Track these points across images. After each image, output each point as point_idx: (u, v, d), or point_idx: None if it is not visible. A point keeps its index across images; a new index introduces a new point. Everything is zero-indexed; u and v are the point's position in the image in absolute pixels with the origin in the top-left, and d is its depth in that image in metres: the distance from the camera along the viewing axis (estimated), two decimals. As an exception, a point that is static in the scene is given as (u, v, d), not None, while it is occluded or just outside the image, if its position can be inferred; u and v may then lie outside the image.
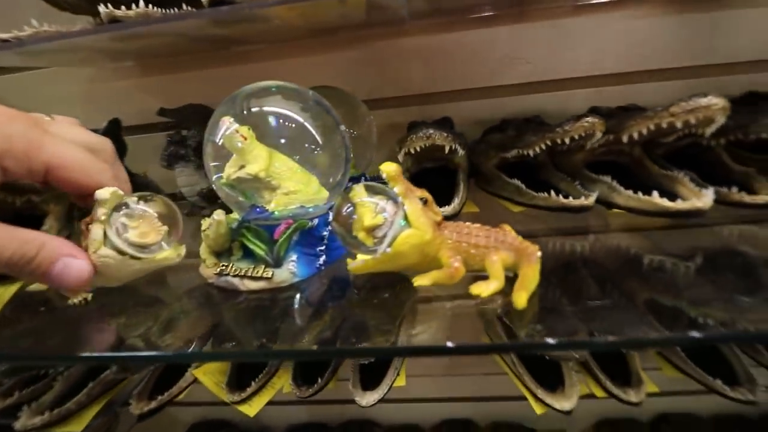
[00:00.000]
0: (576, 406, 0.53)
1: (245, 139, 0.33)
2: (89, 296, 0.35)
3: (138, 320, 0.34)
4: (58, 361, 0.48)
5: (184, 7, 0.45)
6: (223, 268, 0.34)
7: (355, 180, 0.44)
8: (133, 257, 0.31)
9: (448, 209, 0.43)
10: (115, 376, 0.56)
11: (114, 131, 0.62)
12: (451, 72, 0.61)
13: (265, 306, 0.33)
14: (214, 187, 0.36)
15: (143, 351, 0.30)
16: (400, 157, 0.48)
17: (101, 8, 0.41)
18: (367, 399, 0.55)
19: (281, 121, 0.35)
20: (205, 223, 0.35)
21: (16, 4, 0.62)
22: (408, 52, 0.61)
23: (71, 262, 0.29)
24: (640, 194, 0.41)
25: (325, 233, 0.36)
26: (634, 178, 0.45)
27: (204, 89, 0.66)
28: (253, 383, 0.58)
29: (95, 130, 0.59)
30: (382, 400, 0.57)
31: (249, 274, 0.33)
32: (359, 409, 0.85)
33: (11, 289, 0.44)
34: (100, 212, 0.31)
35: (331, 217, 0.34)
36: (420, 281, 0.32)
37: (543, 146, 0.44)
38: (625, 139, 0.42)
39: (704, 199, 0.38)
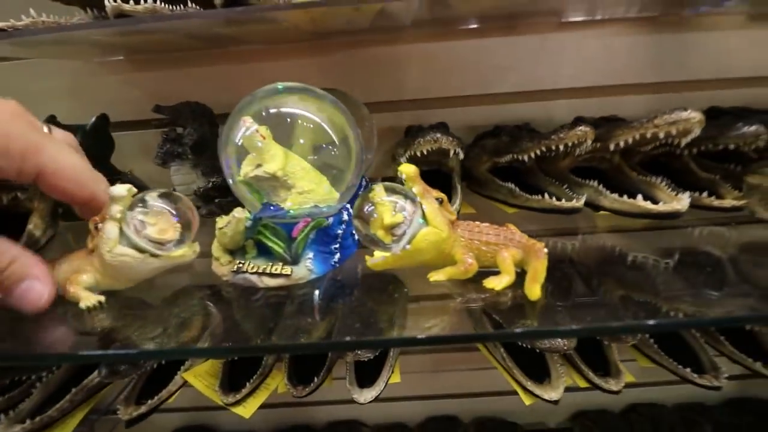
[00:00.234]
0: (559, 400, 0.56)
1: (264, 138, 0.34)
2: (102, 299, 0.34)
3: (163, 319, 0.33)
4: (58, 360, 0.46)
5: (190, 4, 0.45)
6: (241, 265, 0.34)
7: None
8: (152, 255, 0.31)
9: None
10: (102, 379, 0.54)
11: (102, 127, 0.61)
12: (445, 79, 0.64)
13: (283, 302, 0.33)
14: (230, 185, 0.36)
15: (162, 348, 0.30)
16: (403, 160, 0.49)
17: (108, 2, 0.41)
18: (365, 396, 0.56)
19: (298, 121, 0.36)
20: (222, 221, 0.35)
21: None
22: (405, 58, 0.63)
23: (34, 286, 0.29)
24: (625, 197, 0.44)
25: (339, 231, 0.38)
26: (614, 183, 0.50)
27: (196, 88, 0.65)
28: (247, 384, 0.58)
29: (82, 125, 0.57)
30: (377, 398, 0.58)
31: (268, 271, 0.34)
32: (345, 410, 0.87)
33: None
34: (115, 209, 0.30)
35: (347, 216, 0.35)
36: (436, 276, 0.34)
37: (538, 152, 0.47)
38: (612, 147, 0.46)
39: (682, 202, 0.42)
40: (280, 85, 0.35)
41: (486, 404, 0.86)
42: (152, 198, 0.32)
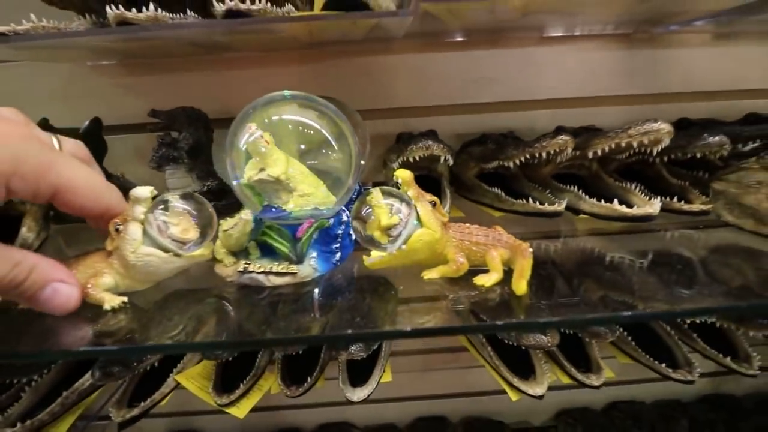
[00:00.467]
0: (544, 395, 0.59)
1: (268, 144, 0.35)
2: (125, 299, 0.34)
3: (182, 320, 0.34)
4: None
5: (188, 12, 0.46)
6: (247, 265, 0.36)
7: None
8: (175, 255, 0.32)
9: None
10: (95, 382, 0.54)
11: (95, 131, 0.61)
12: (434, 88, 0.67)
13: (287, 300, 0.35)
14: (233, 187, 0.37)
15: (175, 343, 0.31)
16: (395, 165, 0.52)
17: (110, 9, 0.42)
18: (358, 394, 0.57)
19: (299, 128, 0.38)
20: (227, 223, 0.36)
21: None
22: (395, 68, 0.66)
23: (60, 288, 0.29)
24: (602, 202, 0.48)
25: (339, 232, 0.39)
26: (593, 189, 0.53)
27: (191, 93, 0.66)
28: (241, 385, 0.59)
29: (75, 129, 0.58)
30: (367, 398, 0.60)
31: (275, 270, 0.35)
32: (335, 412, 0.88)
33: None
34: (139, 211, 0.31)
35: (346, 217, 0.37)
36: (429, 275, 0.36)
37: (522, 159, 0.50)
38: (590, 155, 0.49)
39: (654, 206, 0.45)
40: (287, 93, 0.36)
41: (474, 404, 0.89)
42: (175, 199, 0.33)
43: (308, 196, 0.38)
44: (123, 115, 0.66)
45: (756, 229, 0.45)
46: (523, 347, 0.55)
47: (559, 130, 0.54)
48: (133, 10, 0.42)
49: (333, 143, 0.38)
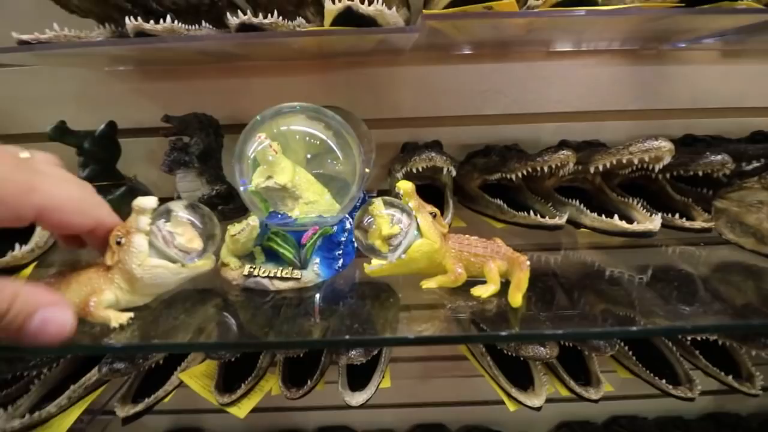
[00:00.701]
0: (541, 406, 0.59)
1: (276, 153, 0.37)
2: (132, 315, 0.32)
3: (188, 320, 0.35)
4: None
5: (203, 23, 0.48)
6: (252, 269, 0.37)
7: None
8: (183, 265, 0.32)
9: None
10: (102, 377, 0.55)
11: (110, 134, 0.63)
12: (440, 100, 0.68)
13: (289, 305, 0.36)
14: (241, 193, 0.39)
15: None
16: (399, 175, 0.53)
17: (129, 21, 0.44)
18: (356, 399, 0.58)
19: (306, 138, 0.39)
20: (234, 228, 0.38)
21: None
22: (403, 79, 0.67)
23: (51, 316, 0.25)
24: (603, 216, 0.48)
25: (342, 239, 0.41)
26: (595, 202, 0.53)
27: (203, 99, 0.68)
28: (243, 385, 0.60)
29: (91, 132, 0.60)
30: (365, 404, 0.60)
31: (279, 275, 0.36)
32: (335, 416, 0.88)
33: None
34: (144, 221, 0.30)
35: (349, 225, 0.38)
36: (427, 284, 0.37)
37: (524, 172, 0.51)
38: (591, 169, 0.50)
39: (654, 222, 0.46)
40: (296, 105, 0.38)
41: (473, 413, 0.89)
42: (179, 209, 0.33)
43: (313, 203, 0.40)
44: (137, 119, 0.68)
45: (756, 248, 0.45)
46: (522, 358, 0.56)
47: (562, 145, 0.55)
48: (151, 21, 0.44)
49: (338, 153, 0.40)
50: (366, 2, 0.38)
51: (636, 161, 0.46)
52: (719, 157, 0.48)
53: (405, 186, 0.36)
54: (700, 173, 0.50)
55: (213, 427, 0.88)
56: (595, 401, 0.58)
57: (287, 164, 0.38)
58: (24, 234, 0.48)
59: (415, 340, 0.32)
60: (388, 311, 0.37)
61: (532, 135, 0.69)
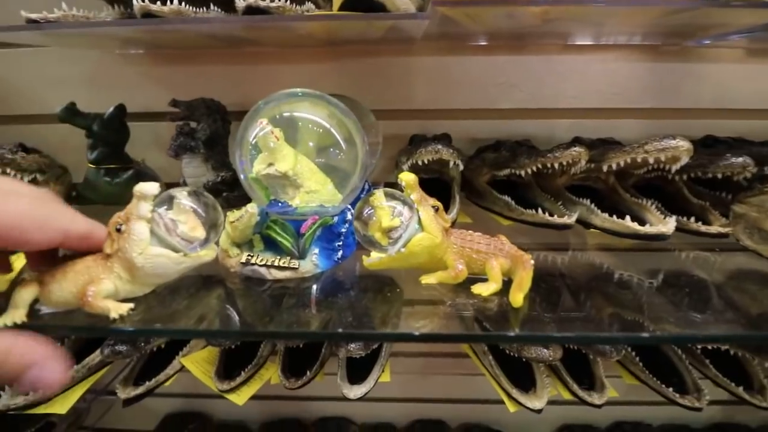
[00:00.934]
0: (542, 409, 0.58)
1: (278, 139, 0.36)
2: (132, 306, 0.31)
3: (186, 306, 0.34)
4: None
5: (211, 6, 0.47)
6: (250, 257, 0.37)
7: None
8: (185, 255, 0.31)
9: (445, 218, 0.47)
10: (104, 359, 0.56)
11: (119, 117, 0.63)
12: (451, 92, 0.67)
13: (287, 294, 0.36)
14: (241, 180, 0.38)
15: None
16: (405, 167, 0.52)
17: (136, 1, 0.43)
18: (355, 392, 0.58)
19: (309, 125, 0.38)
20: (233, 215, 0.37)
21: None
22: (414, 70, 0.66)
23: (43, 373, 0.25)
24: (614, 217, 0.46)
25: (342, 230, 0.40)
26: (607, 202, 0.52)
27: (211, 85, 0.68)
28: (242, 373, 0.60)
29: (100, 114, 0.60)
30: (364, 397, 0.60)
31: (277, 264, 0.36)
32: (335, 407, 0.88)
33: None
34: (145, 208, 0.29)
35: (350, 216, 0.37)
36: (427, 279, 0.36)
37: (534, 168, 0.49)
38: (605, 168, 0.48)
39: (668, 225, 0.44)
40: (299, 91, 0.37)
41: (473, 411, 0.88)
42: (182, 196, 0.32)
43: (314, 192, 0.39)
44: (146, 103, 0.68)
45: (775, 256, 0.43)
46: (525, 359, 0.55)
47: (576, 142, 0.53)
48: (158, 3, 0.43)
49: (342, 142, 0.39)
50: (375, -13, 0.37)
51: (652, 161, 0.44)
52: (740, 159, 0.46)
53: (407, 178, 0.35)
54: (720, 176, 0.48)
55: (213, 411, 0.89)
56: (598, 406, 0.57)
57: (289, 151, 0.37)
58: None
59: (415, 337, 0.32)
60: (386, 305, 0.36)
61: (545, 131, 0.67)
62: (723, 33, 0.57)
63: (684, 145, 0.42)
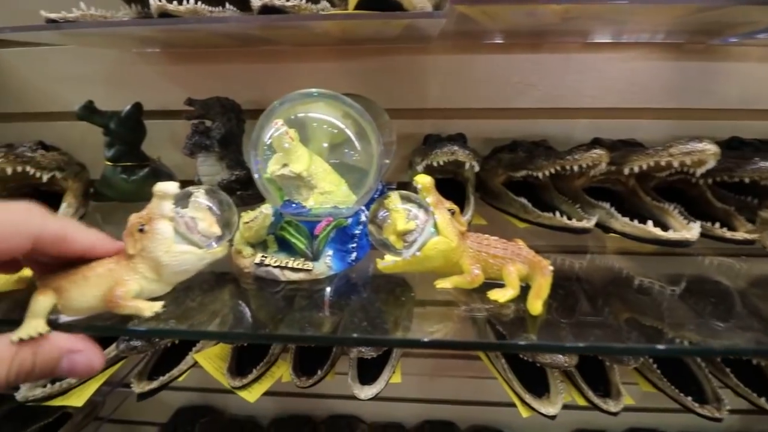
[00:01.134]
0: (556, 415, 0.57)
1: (292, 140, 0.36)
2: (163, 303, 0.31)
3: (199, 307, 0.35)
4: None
5: (228, 6, 0.47)
6: (264, 258, 0.37)
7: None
8: (207, 251, 0.31)
9: (459, 220, 0.46)
10: (119, 353, 0.57)
11: (135, 115, 0.64)
12: (467, 91, 0.65)
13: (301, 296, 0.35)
14: (255, 180, 0.38)
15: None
16: (419, 168, 0.51)
17: (153, 1, 0.43)
18: (366, 393, 0.58)
19: (324, 126, 0.38)
20: (248, 215, 0.37)
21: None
22: (429, 68, 0.65)
23: (75, 358, 0.26)
24: (635, 222, 0.45)
25: (356, 232, 0.39)
26: (628, 205, 0.50)
27: (226, 83, 0.68)
28: (254, 370, 0.60)
29: (117, 112, 0.60)
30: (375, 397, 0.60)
31: (290, 265, 0.36)
32: (345, 405, 0.88)
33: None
34: (168, 207, 0.30)
35: (365, 217, 0.37)
36: (442, 284, 0.35)
37: (552, 170, 0.48)
38: (626, 171, 0.47)
39: (692, 231, 0.42)
40: (314, 91, 0.36)
41: (484, 413, 0.87)
42: (199, 194, 0.32)
43: (329, 194, 0.38)
44: (162, 101, 0.68)
45: (805, 264, 0.41)
46: (539, 365, 0.54)
47: (595, 143, 0.52)
48: (175, 2, 0.43)
49: (356, 143, 0.38)
50: (392, -15, 0.36)
51: (676, 164, 0.43)
52: (770, 163, 0.44)
53: (423, 180, 0.34)
54: (747, 180, 0.47)
55: (225, 406, 0.90)
56: (614, 414, 0.56)
57: (303, 152, 0.37)
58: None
59: (425, 344, 0.31)
60: (400, 309, 0.36)
61: (563, 131, 0.66)
62: (750, 31, 0.55)
63: (711, 149, 0.41)
